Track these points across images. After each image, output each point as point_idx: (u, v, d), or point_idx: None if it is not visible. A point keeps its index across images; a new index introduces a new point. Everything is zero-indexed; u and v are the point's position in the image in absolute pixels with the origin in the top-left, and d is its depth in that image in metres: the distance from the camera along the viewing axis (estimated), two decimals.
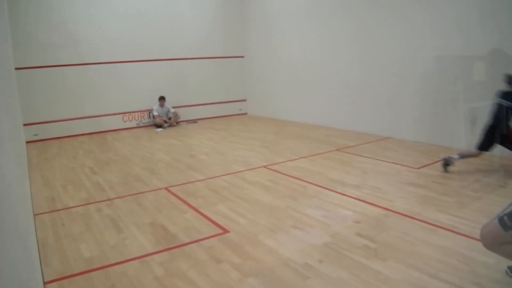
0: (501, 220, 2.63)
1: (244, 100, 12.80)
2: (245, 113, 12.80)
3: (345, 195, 4.89)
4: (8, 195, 1.84)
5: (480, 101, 6.39)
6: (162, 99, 10.62)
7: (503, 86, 5.15)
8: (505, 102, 5.03)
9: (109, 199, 5.10)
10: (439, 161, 6.05)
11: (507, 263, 2.95)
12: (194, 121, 11.47)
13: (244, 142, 8.39)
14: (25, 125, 8.82)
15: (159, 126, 10.47)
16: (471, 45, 6.50)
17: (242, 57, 12.54)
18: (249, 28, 12.14)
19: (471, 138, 6.46)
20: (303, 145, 7.73)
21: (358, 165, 6.23)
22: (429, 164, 6.01)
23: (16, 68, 8.14)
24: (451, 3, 6.76)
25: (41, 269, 3.33)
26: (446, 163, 5.59)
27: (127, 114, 10.61)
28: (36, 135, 9.31)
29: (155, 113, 10.62)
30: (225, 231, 3.98)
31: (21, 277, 1.52)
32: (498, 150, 5.43)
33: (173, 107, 10.88)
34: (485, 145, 5.34)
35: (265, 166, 6.35)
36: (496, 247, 2.70)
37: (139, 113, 10.79)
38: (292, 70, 10.65)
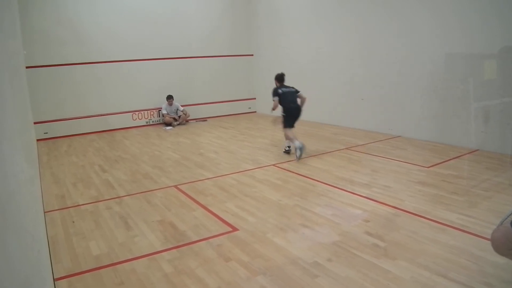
0: None
1: (254, 99, 12.79)
2: (254, 112, 12.80)
3: (355, 193, 4.86)
4: (17, 193, 1.85)
5: (491, 99, 6.33)
6: (170, 97, 10.65)
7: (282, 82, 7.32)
8: (293, 89, 7.21)
9: (118, 197, 5.13)
10: (449, 160, 6.00)
11: None
12: (204, 119, 11.49)
13: (253, 140, 8.39)
14: (35, 123, 8.92)
15: (168, 124, 10.52)
16: (478, 42, 6.41)
17: (251, 55, 12.53)
18: (258, 26, 12.12)
19: (482, 135, 6.41)
20: (312, 144, 7.71)
21: (368, 164, 6.20)
22: (439, 163, 5.96)
23: (26, 67, 8.22)
24: (456, 0, 6.70)
25: (51, 266, 3.36)
26: (287, 152, 7.03)
27: (136, 113, 10.67)
28: (46, 133, 9.40)
29: (164, 112, 10.67)
30: (234, 229, 3.99)
31: (20, 276, 1.52)
32: (509, 149, 5.37)
33: (182, 106, 10.91)
34: (288, 123, 7.09)
35: (274, 165, 6.35)
36: (508, 251, 2.65)
37: (148, 111, 10.85)
38: (300, 68, 10.59)
